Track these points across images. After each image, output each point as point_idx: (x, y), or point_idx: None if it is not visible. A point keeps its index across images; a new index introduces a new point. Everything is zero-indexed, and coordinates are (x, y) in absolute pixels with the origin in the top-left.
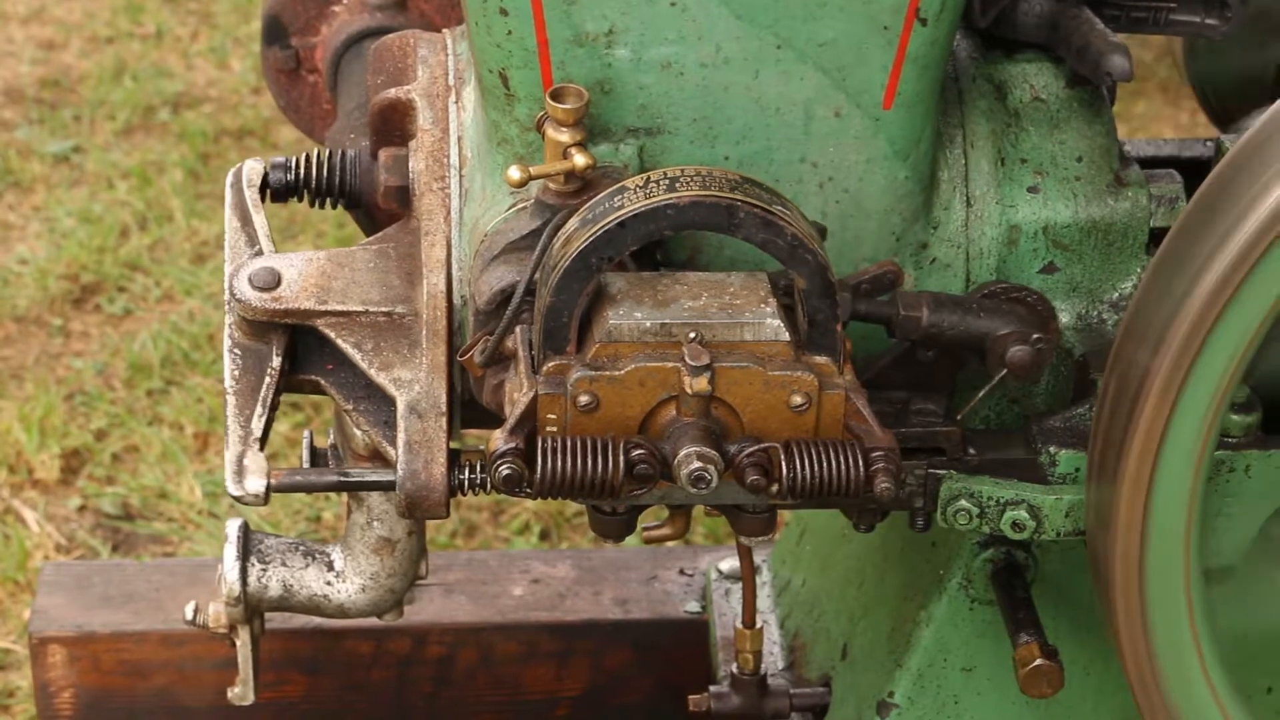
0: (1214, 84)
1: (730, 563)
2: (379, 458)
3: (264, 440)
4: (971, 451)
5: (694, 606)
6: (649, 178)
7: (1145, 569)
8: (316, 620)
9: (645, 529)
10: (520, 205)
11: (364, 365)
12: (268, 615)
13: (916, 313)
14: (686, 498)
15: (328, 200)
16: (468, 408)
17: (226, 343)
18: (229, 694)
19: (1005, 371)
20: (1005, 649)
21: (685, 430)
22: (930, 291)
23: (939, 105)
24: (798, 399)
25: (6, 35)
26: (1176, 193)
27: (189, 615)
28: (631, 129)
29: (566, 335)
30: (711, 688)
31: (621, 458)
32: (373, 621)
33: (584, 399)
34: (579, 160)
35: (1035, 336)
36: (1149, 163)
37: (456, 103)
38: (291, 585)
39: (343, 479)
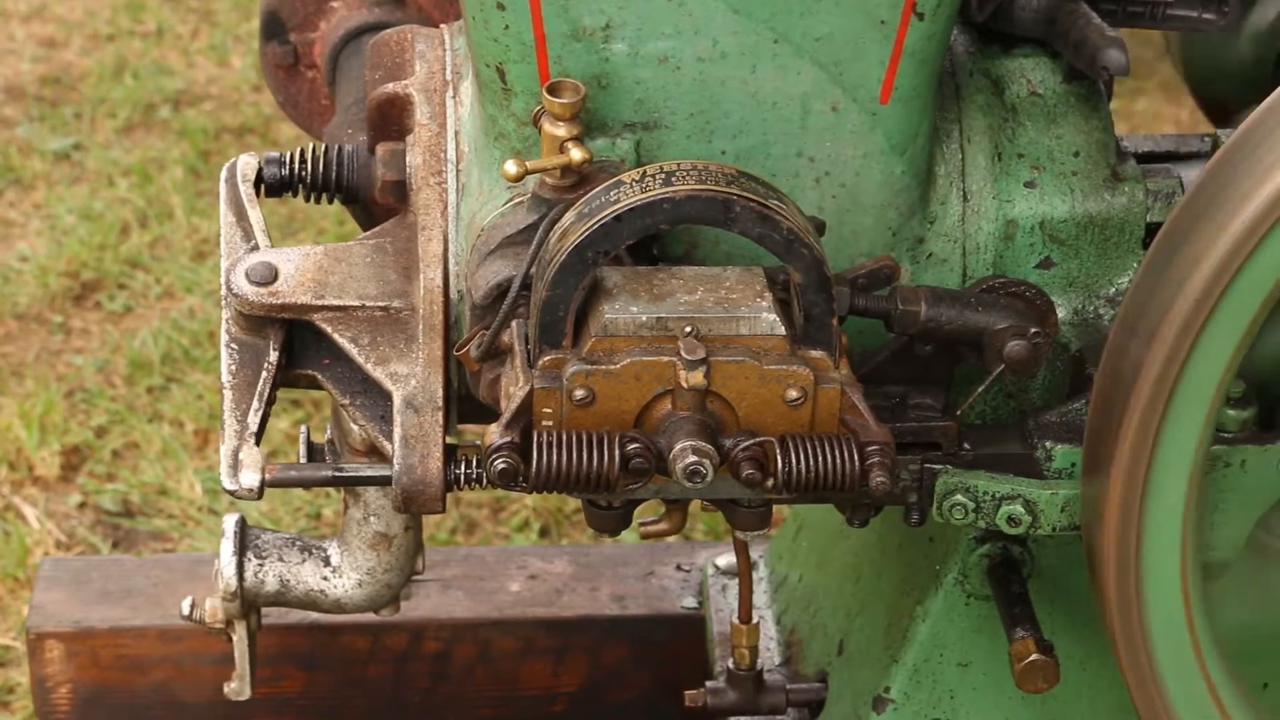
0: (1210, 79)
1: (727, 558)
2: (376, 453)
3: (260, 435)
4: (967, 446)
5: (691, 602)
6: (645, 172)
7: (1140, 564)
8: (313, 615)
9: (642, 524)
10: (517, 200)
11: (360, 360)
12: (265, 610)
13: (914, 307)
14: (682, 492)
15: (324, 196)
16: (464, 402)
17: (223, 337)
18: (226, 689)
19: (1003, 366)
20: (1001, 644)
21: (681, 424)
22: (928, 286)
23: (936, 100)
24: (793, 393)
25: (7, 33)
26: (1173, 188)
27: (186, 610)
28: (628, 123)
29: (562, 329)
30: (708, 683)
31: (617, 452)
32: (370, 617)
33: (580, 393)
34: (575, 155)
35: (1033, 331)
36: (1146, 158)
37: (454, 97)
38: (288, 580)
39: (338, 474)
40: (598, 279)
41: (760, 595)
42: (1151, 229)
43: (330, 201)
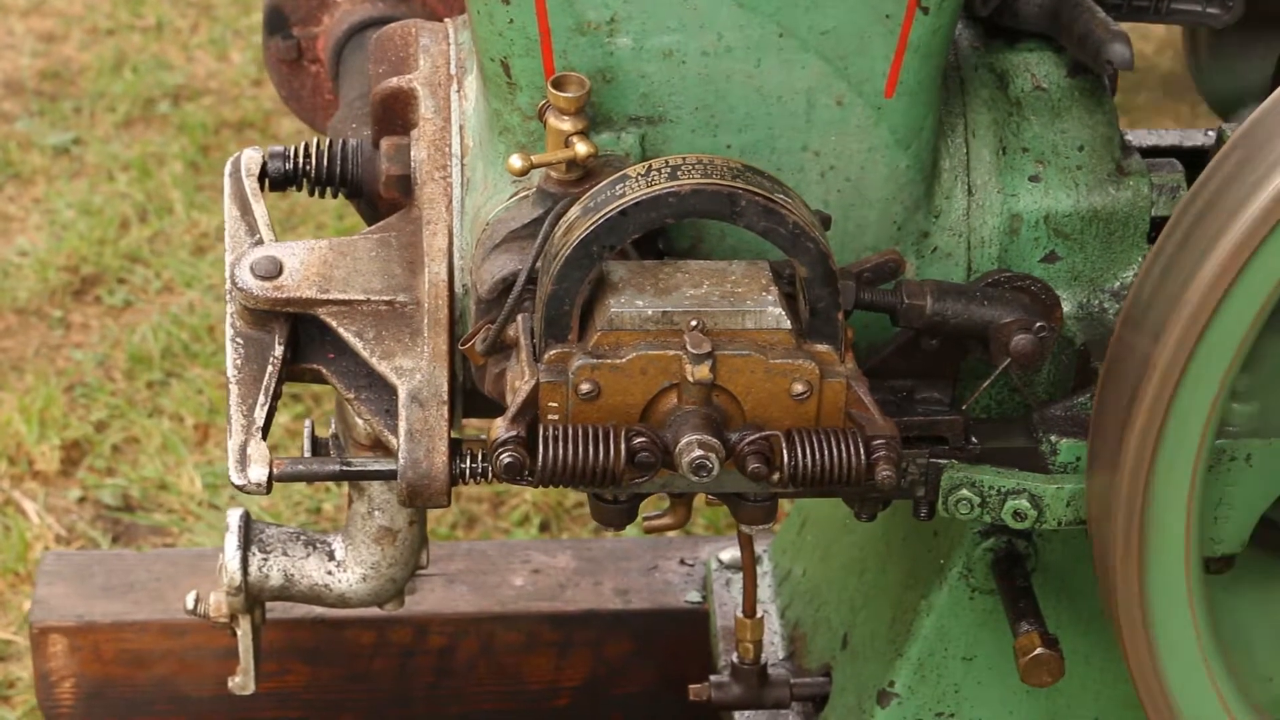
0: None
1: (731, 553)
2: (380, 447)
3: (266, 429)
4: (974, 440)
5: (694, 596)
6: (650, 166)
7: (1145, 558)
8: (318, 610)
9: (646, 519)
10: (522, 194)
11: (365, 354)
12: (269, 605)
13: (920, 301)
14: (688, 486)
15: (327, 190)
16: (469, 396)
17: (228, 332)
18: (230, 684)
19: (1009, 360)
20: (1006, 638)
21: (686, 418)
22: (934, 280)
23: (940, 94)
24: (799, 387)
25: (7, 27)
26: (1178, 181)
27: (190, 605)
28: (633, 117)
29: (568, 323)
30: (712, 677)
31: (623, 446)
32: (374, 611)
33: (585, 387)
34: (581, 149)
35: (1039, 325)
36: (1150, 152)
37: (458, 91)
38: (292, 575)
39: (345, 468)
40: (603, 273)
41: (764, 589)
42: (1156, 223)
43: (334, 196)
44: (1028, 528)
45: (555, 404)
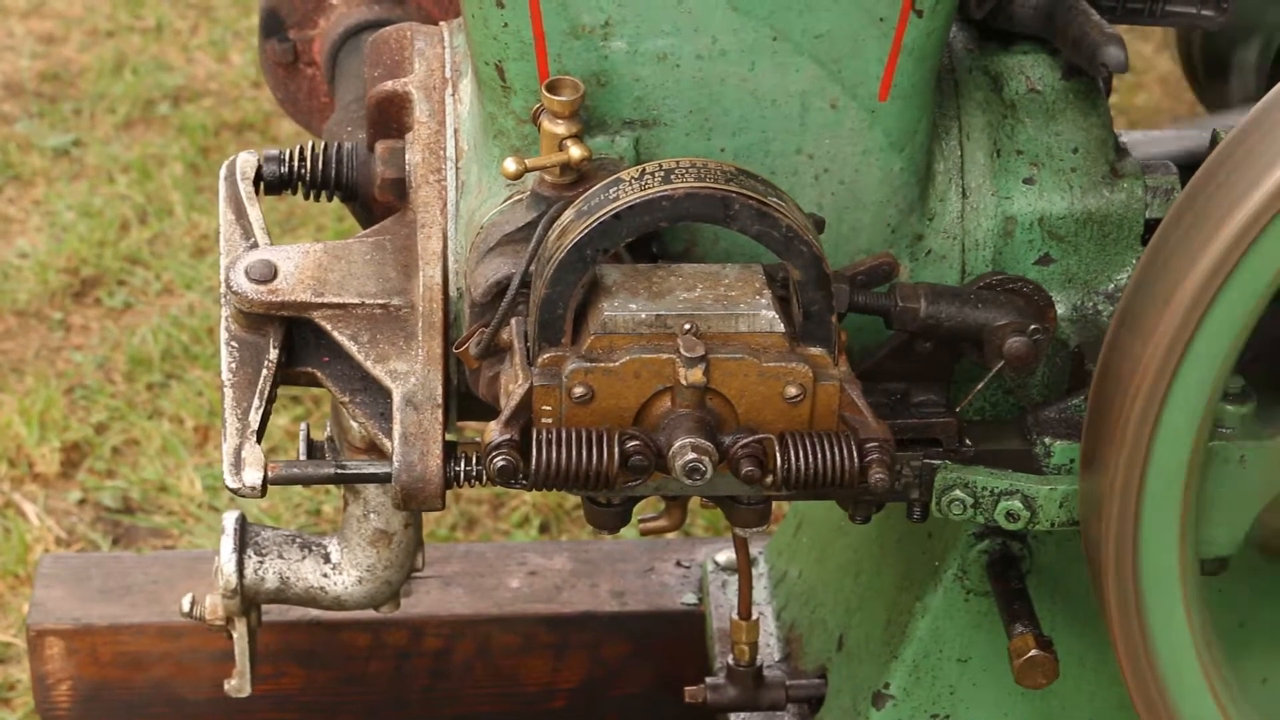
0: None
1: (727, 555)
2: (375, 450)
3: (261, 432)
4: (968, 442)
5: (690, 598)
6: (644, 169)
7: (1138, 559)
8: (313, 612)
9: (641, 520)
10: (516, 197)
11: (360, 357)
12: (265, 607)
13: (914, 304)
14: (681, 489)
15: (324, 193)
16: (464, 400)
17: (223, 335)
18: (226, 686)
19: (1003, 362)
20: (1001, 640)
21: (680, 421)
22: (928, 283)
23: (935, 97)
24: (792, 390)
25: (6, 29)
26: (1172, 184)
27: (186, 608)
28: (627, 121)
29: (561, 327)
30: (708, 679)
31: (616, 449)
32: (370, 614)
33: (579, 390)
34: (575, 152)
35: (1033, 327)
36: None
37: (453, 95)
38: (288, 577)
39: (339, 471)
40: (597, 276)
41: (760, 591)
42: (1150, 225)
43: (330, 199)
44: (1021, 529)
45: (549, 407)
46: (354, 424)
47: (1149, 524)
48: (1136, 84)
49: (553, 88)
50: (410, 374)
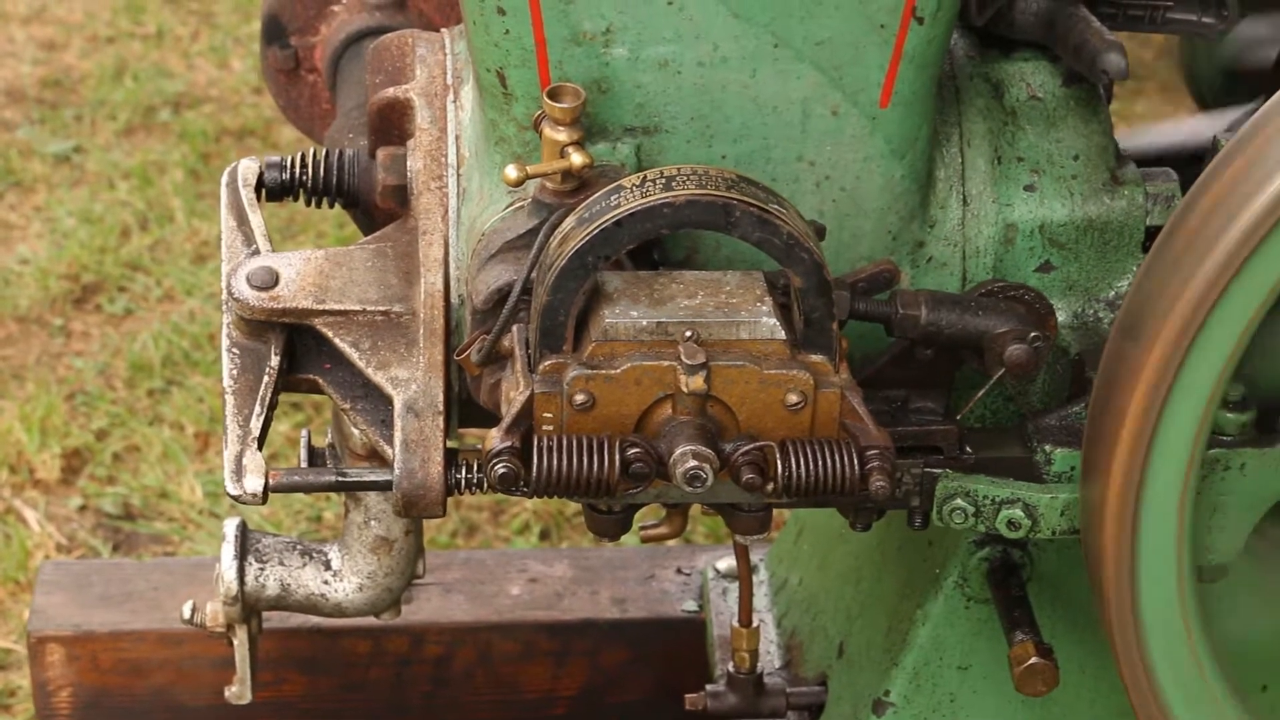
0: (1208, 72)
1: (727, 562)
2: (376, 457)
3: (262, 439)
4: (969, 450)
5: (691, 605)
6: (645, 176)
7: (1137, 567)
8: (314, 619)
9: (643, 528)
10: (517, 204)
11: (361, 364)
12: (265, 614)
13: (915, 311)
14: (682, 496)
15: (325, 200)
16: (465, 407)
17: (224, 342)
18: (226, 693)
19: (1003, 370)
20: (1001, 647)
21: (681, 429)
22: (928, 290)
23: (936, 104)
24: (793, 397)
25: (7, 35)
26: (1172, 191)
27: (186, 614)
28: (629, 128)
29: (563, 334)
30: (708, 686)
31: (617, 456)
32: (370, 621)
33: (580, 398)
34: (576, 159)
35: (1033, 335)
36: (1145, 161)
37: (454, 102)
38: (289, 584)
39: (341, 478)
40: (598, 284)
41: (761, 598)
42: (1151, 232)
43: (331, 206)
44: (1022, 537)
45: (550, 414)
46: (355, 431)
47: (1148, 531)
48: (1137, 90)
49: (554, 94)
50: (411, 381)
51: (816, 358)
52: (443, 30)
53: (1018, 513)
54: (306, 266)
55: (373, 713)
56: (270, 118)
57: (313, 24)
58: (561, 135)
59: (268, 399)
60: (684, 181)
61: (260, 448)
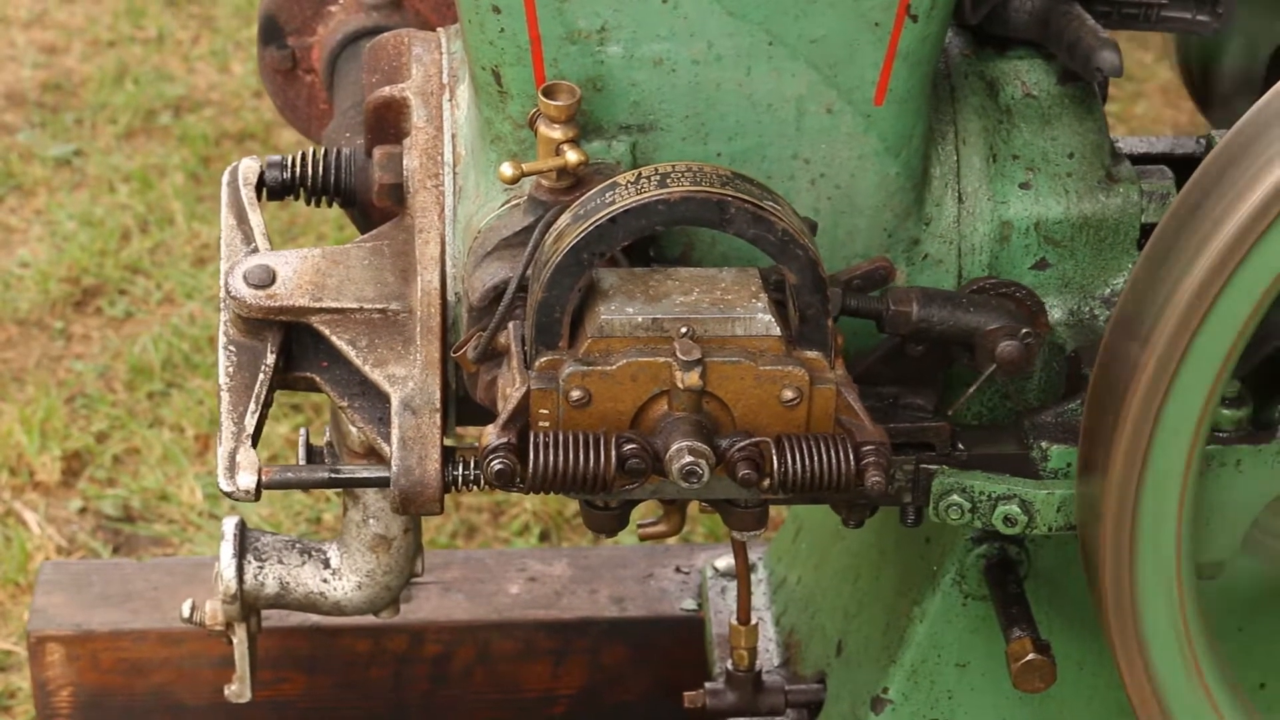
0: (1203, 67)
1: (726, 560)
2: (375, 455)
3: (257, 436)
4: (961, 447)
5: (690, 604)
6: (640, 174)
7: (1135, 564)
8: (314, 618)
9: (641, 525)
10: (513, 202)
11: (358, 362)
12: (265, 613)
13: (906, 308)
14: (678, 492)
15: (324, 199)
16: (463, 404)
17: (221, 340)
18: (226, 692)
19: (994, 366)
20: (999, 644)
21: (677, 425)
22: (920, 287)
23: (930, 102)
24: (789, 393)
25: (8, 39)
26: (1167, 189)
27: (186, 613)
28: (624, 126)
29: (558, 331)
30: (707, 685)
31: (613, 452)
32: (370, 619)
33: (576, 394)
34: (571, 157)
35: (1024, 331)
36: (1141, 159)
37: (450, 100)
38: (288, 583)
39: (334, 475)
40: (594, 280)
41: (759, 597)
42: (1146, 230)
43: (330, 205)
44: (1018, 533)
45: (546, 411)
46: (353, 429)
47: (1145, 528)
48: (1137, 92)
49: (549, 92)
50: (408, 378)
51: (812, 354)
52: (438, 29)
53: (1014, 509)
54: (303, 265)
55: (372, 711)
56: (271, 121)
57: (309, 24)
58: (557, 133)
59: (263, 396)
60: (679, 178)
61: (255, 444)
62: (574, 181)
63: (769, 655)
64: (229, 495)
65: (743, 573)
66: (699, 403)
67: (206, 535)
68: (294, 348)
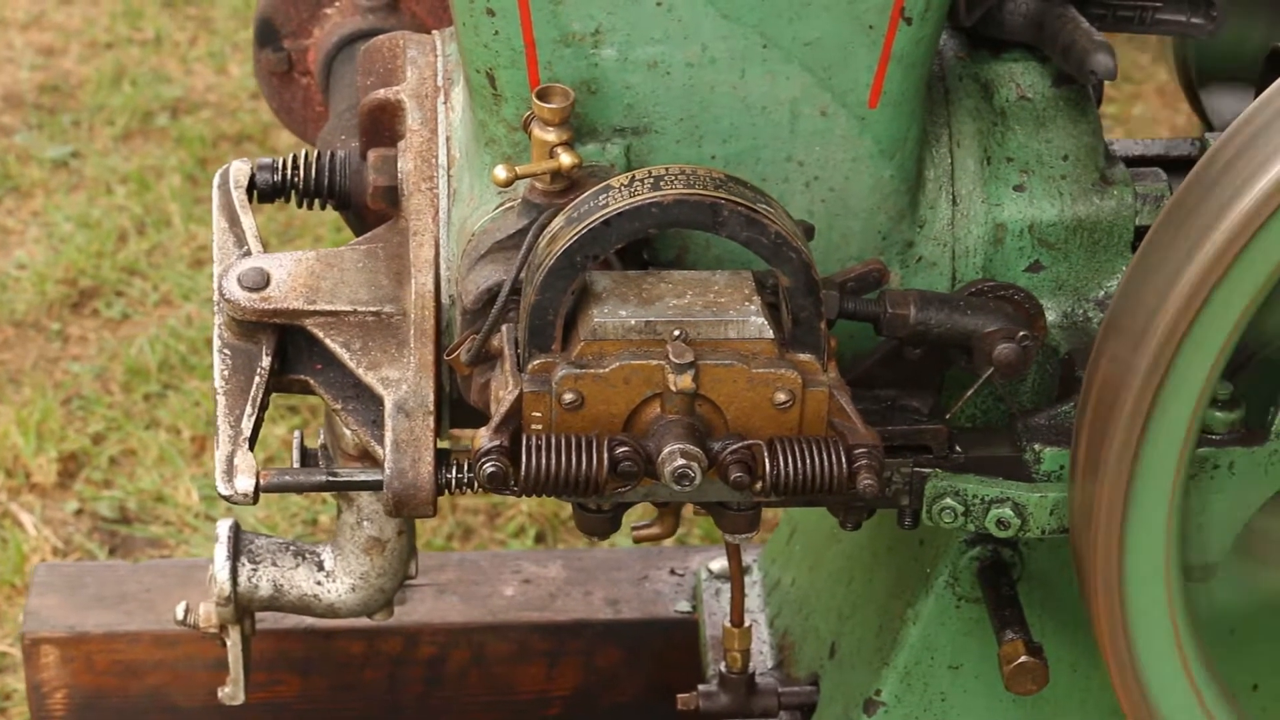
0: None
1: (720, 562)
2: (368, 457)
3: (254, 439)
4: (959, 449)
5: (684, 606)
6: (634, 176)
7: (1125, 566)
8: (308, 620)
9: (635, 528)
10: (507, 205)
11: (352, 365)
12: (259, 615)
13: (903, 310)
14: (670, 495)
15: (317, 201)
16: (456, 407)
17: (216, 343)
18: (220, 694)
19: (992, 369)
20: (992, 647)
21: (669, 428)
22: (917, 289)
23: (925, 104)
24: (781, 396)
25: (6, 41)
26: (1162, 191)
27: (180, 615)
28: (618, 128)
29: (551, 333)
30: (700, 686)
31: (606, 455)
32: (364, 621)
33: (569, 397)
34: (565, 159)
35: (1022, 334)
36: (1135, 162)
37: (445, 103)
38: (282, 585)
39: (331, 478)
40: (587, 283)
41: (753, 599)
42: (1140, 232)
43: (323, 207)
44: (1012, 536)
45: (539, 414)
46: (347, 431)
47: (1136, 531)
48: (1134, 94)
49: (543, 95)
50: (402, 381)
51: (804, 357)
52: (434, 32)
53: (1007, 512)
54: (297, 267)
55: (366, 713)
56: (268, 123)
57: (305, 27)
58: (551, 136)
59: (259, 399)
60: (672, 181)
61: (252, 448)
62: (568, 184)
63: (763, 657)
64: (228, 499)
65: (736, 575)
66: (691, 405)
67: (203, 537)
68: (288, 350)
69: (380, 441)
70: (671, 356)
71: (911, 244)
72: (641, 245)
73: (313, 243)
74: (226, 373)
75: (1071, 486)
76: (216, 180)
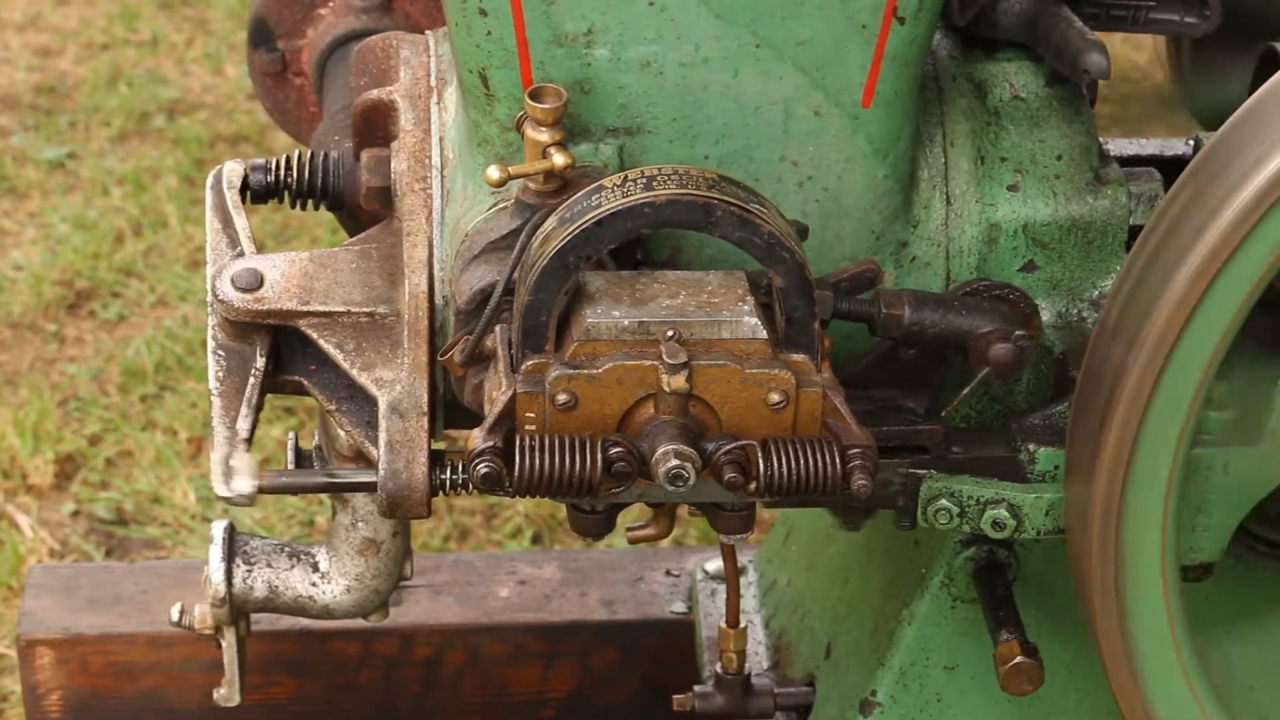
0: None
1: (716, 563)
2: (363, 458)
3: (250, 441)
4: (956, 449)
5: (680, 607)
6: (626, 177)
7: (1122, 567)
8: (304, 622)
9: (630, 529)
10: (500, 205)
11: (346, 366)
12: (254, 616)
13: (898, 311)
14: (664, 496)
15: (310, 201)
16: (450, 407)
17: (210, 344)
18: (215, 695)
19: (988, 369)
20: (988, 647)
21: (663, 428)
22: (911, 290)
23: (918, 104)
24: (775, 397)
25: (2, 42)
26: (1156, 191)
27: (175, 617)
28: (611, 128)
29: (545, 334)
30: (696, 687)
31: (599, 456)
32: (360, 623)
33: (562, 397)
34: (558, 160)
35: (1017, 334)
36: (1130, 161)
37: (438, 103)
38: (277, 586)
39: (331, 479)
40: (580, 284)
41: (749, 599)
42: (1134, 232)
43: (316, 208)
44: (1007, 537)
45: (532, 414)
46: (341, 432)
47: (1132, 531)
48: (1131, 94)
49: (536, 95)
50: (396, 382)
51: (798, 357)
52: (427, 32)
53: (1002, 513)
54: (291, 268)
55: (362, 714)
56: (264, 124)
57: (299, 27)
58: (544, 136)
59: (254, 400)
60: (665, 181)
61: (248, 449)
62: (561, 184)
63: (758, 658)
64: (226, 501)
65: (731, 575)
66: (685, 406)
67: (199, 538)
68: (282, 351)
69: (374, 442)
70: (665, 357)
71: (905, 244)
72: (635, 245)
73: (309, 243)
74: (221, 374)
75: (1067, 487)
76: (210, 181)
